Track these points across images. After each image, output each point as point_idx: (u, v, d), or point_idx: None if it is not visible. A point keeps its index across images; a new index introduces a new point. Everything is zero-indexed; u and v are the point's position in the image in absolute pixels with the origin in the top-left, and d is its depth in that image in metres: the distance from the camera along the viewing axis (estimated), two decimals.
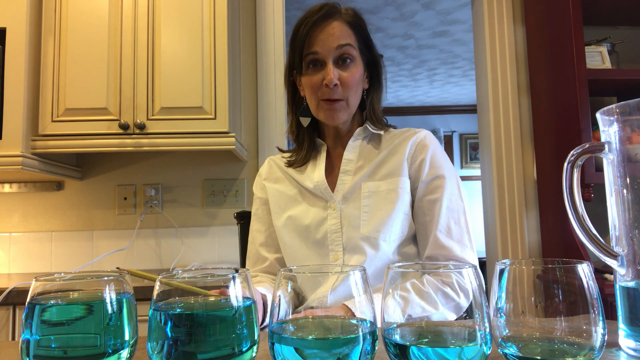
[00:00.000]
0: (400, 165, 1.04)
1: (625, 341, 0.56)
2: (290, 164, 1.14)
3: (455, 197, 1.02)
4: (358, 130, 1.10)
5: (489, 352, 0.45)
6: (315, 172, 1.09)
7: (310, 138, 1.14)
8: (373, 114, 1.10)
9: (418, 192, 1.04)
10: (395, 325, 0.48)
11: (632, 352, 0.55)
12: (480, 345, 0.45)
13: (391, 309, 0.49)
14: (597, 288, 0.47)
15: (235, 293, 0.49)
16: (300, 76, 1.07)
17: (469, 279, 0.46)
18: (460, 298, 0.85)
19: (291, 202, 1.11)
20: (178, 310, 0.49)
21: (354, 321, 0.48)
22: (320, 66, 1.02)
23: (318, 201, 1.07)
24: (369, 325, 0.47)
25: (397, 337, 0.47)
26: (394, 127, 1.14)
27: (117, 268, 0.58)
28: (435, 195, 1.02)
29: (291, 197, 1.11)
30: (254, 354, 0.49)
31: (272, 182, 1.17)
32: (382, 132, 1.09)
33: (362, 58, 1.06)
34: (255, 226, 1.18)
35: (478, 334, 0.45)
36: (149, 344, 0.47)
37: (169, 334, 0.46)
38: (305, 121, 1.11)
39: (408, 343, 0.46)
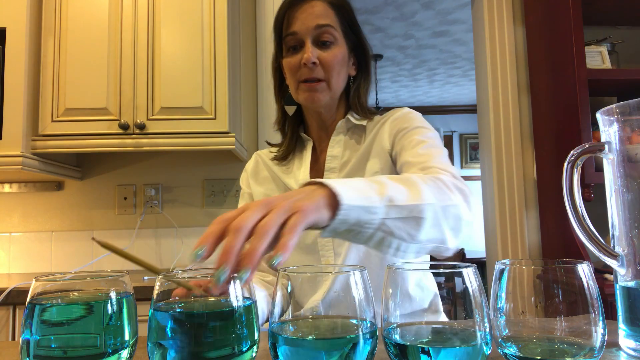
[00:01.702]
0: (384, 151, 0.98)
1: (625, 341, 0.56)
2: (274, 158, 1.09)
3: (431, 136, 0.94)
4: (340, 123, 1.03)
5: (489, 352, 0.45)
6: (300, 172, 1.04)
7: (294, 130, 1.09)
8: (358, 103, 1.04)
9: (394, 147, 0.96)
10: (395, 325, 0.48)
11: (632, 352, 0.55)
12: (480, 345, 0.45)
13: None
14: (597, 288, 0.47)
15: (235, 293, 0.49)
16: (282, 59, 1.02)
17: (469, 278, 0.46)
18: (454, 195, 0.71)
19: None
20: (178, 310, 0.49)
21: (354, 321, 0.48)
22: (299, 47, 0.97)
23: None
24: (369, 325, 0.47)
25: (397, 337, 0.47)
26: (380, 114, 1.05)
27: (93, 238, 0.58)
28: (408, 133, 0.94)
29: None
30: (254, 354, 0.49)
31: (258, 183, 1.11)
32: (364, 123, 1.02)
33: (346, 41, 1.00)
34: None
35: (478, 334, 0.45)
36: (149, 344, 0.47)
37: (169, 334, 0.46)
38: (290, 109, 1.07)
39: (408, 343, 0.46)
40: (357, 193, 0.58)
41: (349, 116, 1.03)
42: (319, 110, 1.02)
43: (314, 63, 0.94)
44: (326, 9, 0.97)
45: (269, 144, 1.17)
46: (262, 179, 1.11)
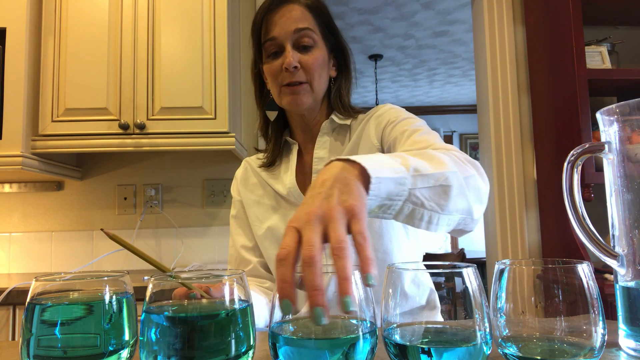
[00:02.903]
0: (372, 149, 0.97)
1: (625, 341, 0.56)
2: (261, 165, 1.09)
3: (422, 124, 0.93)
4: (324, 124, 1.02)
5: (489, 352, 0.45)
6: (287, 176, 1.03)
7: (278, 135, 1.08)
8: (340, 103, 1.03)
9: (384, 141, 0.96)
10: (395, 325, 0.48)
11: (632, 352, 0.55)
12: (480, 345, 0.45)
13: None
14: (597, 288, 0.47)
15: (231, 295, 0.48)
16: (262, 65, 1.01)
17: (469, 278, 0.46)
18: (468, 167, 0.70)
19: (268, 211, 1.05)
20: (170, 313, 0.48)
21: (354, 321, 0.48)
22: (280, 52, 0.96)
23: (294, 208, 1.01)
24: (369, 325, 0.47)
25: (397, 337, 0.47)
26: (363, 112, 1.05)
27: (102, 229, 0.58)
28: (398, 125, 0.93)
29: (267, 206, 1.05)
30: (249, 359, 0.49)
31: (248, 190, 1.10)
32: (348, 122, 1.02)
33: (326, 43, 1.00)
34: (235, 230, 1.11)
35: (478, 334, 0.45)
36: (141, 348, 0.46)
37: (161, 339, 0.45)
38: (271, 115, 1.05)
39: (408, 343, 0.46)
40: (383, 166, 0.57)
41: (332, 116, 1.02)
42: (302, 113, 1.02)
43: (296, 67, 0.93)
44: (304, 12, 0.96)
45: (257, 150, 1.16)
46: (251, 185, 1.11)
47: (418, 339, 0.48)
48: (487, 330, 0.45)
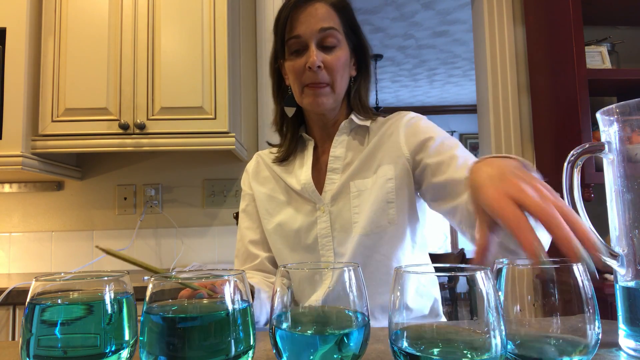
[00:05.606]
0: (400, 158, 0.97)
1: (625, 341, 0.56)
2: (275, 160, 1.09)
3: (456, 141, 0.96)
4: (343, 123, 1.02)
5: (505, 356, 0.43)
6: (302, 172, 1.03)
7: (294, 130, 1.08)
8: (360, 103, 1.04)
9: (420, 155, 0.96)
10: (403, 332, 0.47)
11: (632, 352, 0.55)
12: (496, 349, 0.43)
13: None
14: (592, 287, 0.48)
15: (231, 295, 0.48)
16: (284, 62, 1.00)
17: (482, 281, 0.44)
18: None
19: (279, 206, 1.05)
20: (170, 313, 0.48)
21: (349, 313, 0.48)
22: (303, 50, 0.96)
23: (306, 204, 1.01)
24: (361, 317, 0.48)
25: (405, 344, 0.46)
26: (383, 116, 1.05)
27: (97, 246, 0.58)
28: (437, 147, 0.94)
29: (279, 200, 1.05)
30: (249, 359, 0.49)
31: (259, 183, 1.10)
32: (368, 124, 1.02)
33: (348, 43, 1.00)
34: (244, 223, 1.10)
35: (493, 340, 0.42)
36: (141, 348, 0.46)
37: (161, 339, 0.45)
38: (290, 111, 1.05)
39: (418, 352, 0.45)
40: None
41: (352, 117, 1.02)
42: (322, 113, 1.02)
43: (319, 67, 0.93)
44: (329, 11, 0.96)
45: (269, 144, 1.16)
46: (262, 179, 1.10)
47: (429, 347, 0.47)
48: (503, 333, 0.43)
